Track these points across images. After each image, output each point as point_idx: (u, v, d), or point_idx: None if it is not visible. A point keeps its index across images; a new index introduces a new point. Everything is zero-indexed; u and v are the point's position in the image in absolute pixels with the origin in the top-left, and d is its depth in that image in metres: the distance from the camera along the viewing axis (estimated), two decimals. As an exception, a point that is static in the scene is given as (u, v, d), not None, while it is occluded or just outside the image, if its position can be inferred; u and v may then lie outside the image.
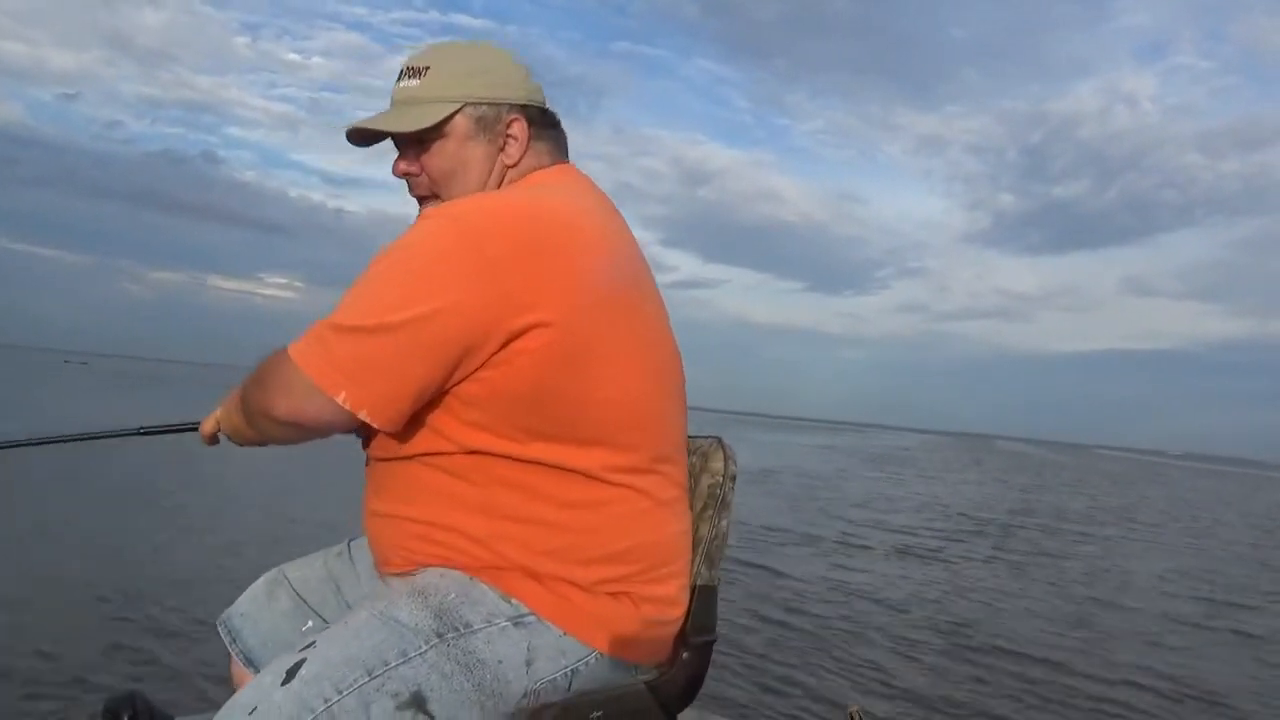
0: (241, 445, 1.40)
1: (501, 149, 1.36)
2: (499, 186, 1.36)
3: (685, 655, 1.34)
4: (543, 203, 1.25)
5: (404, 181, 1.40)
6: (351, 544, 1.54)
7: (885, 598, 6.72)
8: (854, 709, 1.55)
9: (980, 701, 4.42)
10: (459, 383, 1.19)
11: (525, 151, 1.36)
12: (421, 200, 1.39)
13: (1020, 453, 66.60)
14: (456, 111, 1.33)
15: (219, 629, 1.51)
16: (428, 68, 1.34)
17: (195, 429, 1.46)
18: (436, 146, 1.34)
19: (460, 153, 1.34)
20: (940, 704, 4.30)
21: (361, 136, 1.39)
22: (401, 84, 1.36)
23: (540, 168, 1.38)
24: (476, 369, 1.18)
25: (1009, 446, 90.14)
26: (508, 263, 1.15)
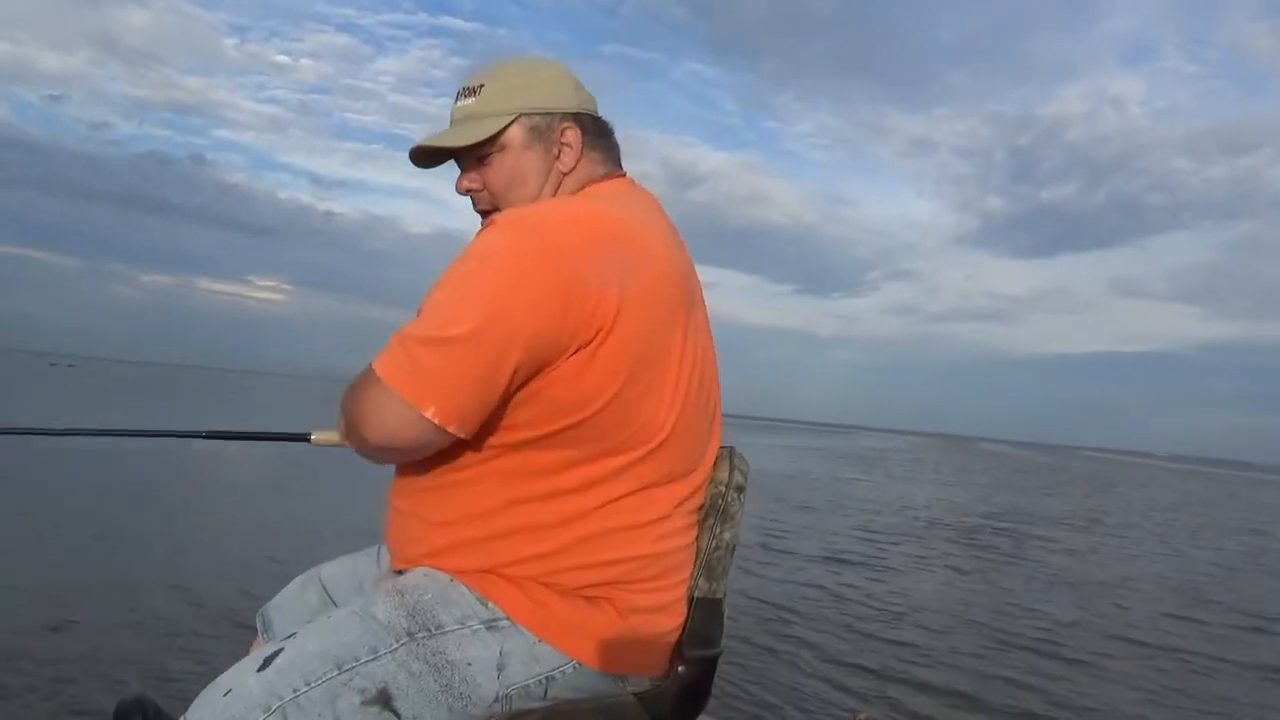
0: None
1: (557, 157, 1.39)
2: (554, 193, 1.39)
3: (681, 668, 1.33)
4: (611, 214, 1.27)
5: (468, 199, 1.43)
6: (381, 547, 1.58)
7: (812, 607, 6.45)
8: (863, 716, 1.52)
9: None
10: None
11: (580, 159, 1.40)
12: (484, 215, 1.42)
13: (1005, 454, 66.49)
14: (511, 123, 1.37)
15: (256, 620, 1.59)
16: (482, 85, 1.39)
17: (307, 440, 1.62)
18: (496, 161, 1.39)
19: (517, 164, 1.38)
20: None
21: (424, 159, 1.43)
22: (459, 103, 1.41)
23: (595, 177, 1.41)
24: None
25: (994, 448, 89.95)
26: (584, 273, 1.17)
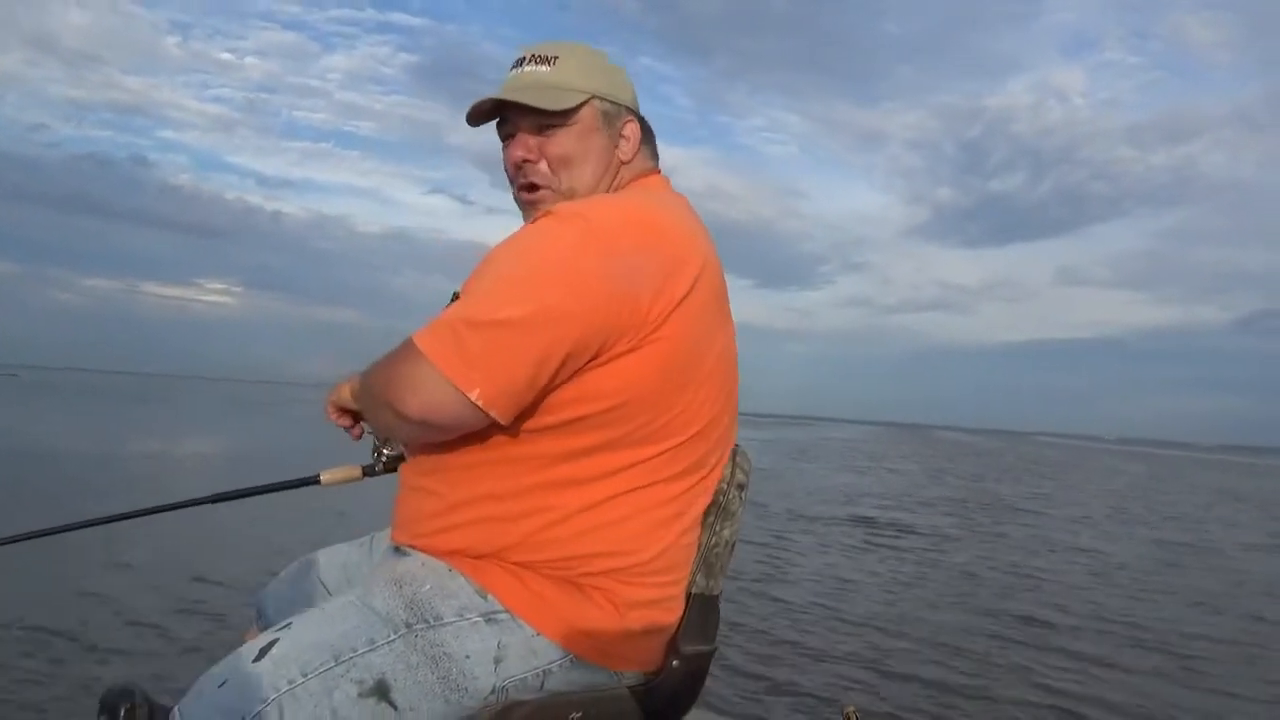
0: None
1: (616, 147, 1.42)
2: (612, 181, 1.41)
3: (675, 664, 1.34)
4: (663, 216, 1.29)
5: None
6: (374, 536, 1.59)
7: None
8: (850, 709, 1.59)
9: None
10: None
11: (636, 153, 1.43)
12: (530, 188, 1.41)
13: (958, 441, 66.74)
14: (587, 101, 1.38)
15: (252, 606, 1.61)
16: (556, 57, 1.38)
17: (317, 482, 1.59)
18: (561, 133, 1.38)
19: (584, 142, 1.39)
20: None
21: (477, 114, 1.41)
22: (526, 69, 1.39)
23: (645, 172, 1.45)
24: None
25: (949, 436, 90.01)
26: (636, 267, 1.18)
